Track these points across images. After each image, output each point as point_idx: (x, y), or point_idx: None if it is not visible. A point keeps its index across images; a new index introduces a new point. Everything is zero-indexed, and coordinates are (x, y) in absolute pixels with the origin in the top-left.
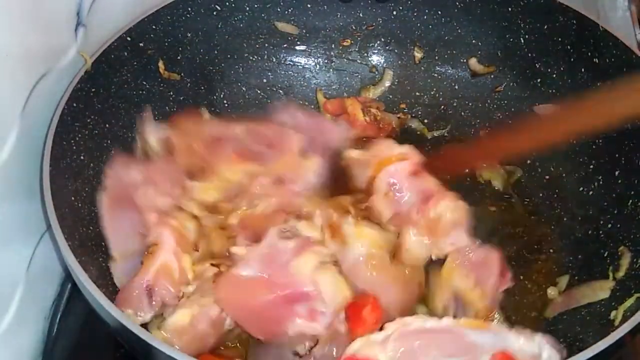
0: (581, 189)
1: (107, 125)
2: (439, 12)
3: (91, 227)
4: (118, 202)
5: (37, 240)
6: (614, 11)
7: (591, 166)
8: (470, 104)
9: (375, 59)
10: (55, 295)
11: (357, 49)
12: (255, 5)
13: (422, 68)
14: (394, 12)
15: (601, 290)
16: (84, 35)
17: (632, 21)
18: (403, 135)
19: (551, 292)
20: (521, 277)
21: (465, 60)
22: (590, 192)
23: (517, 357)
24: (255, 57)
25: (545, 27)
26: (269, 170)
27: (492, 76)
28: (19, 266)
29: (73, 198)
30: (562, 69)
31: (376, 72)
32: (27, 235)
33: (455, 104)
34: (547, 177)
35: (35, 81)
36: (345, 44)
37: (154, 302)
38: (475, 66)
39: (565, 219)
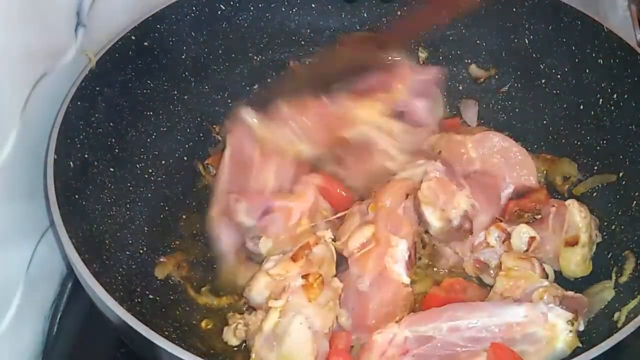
0: (586, 190)
1: (111, 124)
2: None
3: (94, 225)
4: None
5: (37, 240)
6: (614, 11)
7: (595, 167)
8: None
9: None
10: (55, 295)
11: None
12: (260, 5)
13: None
14: (399, 13)
15: (606, 292)
16: (84, 35)
17: (632, 21)
18: None
19: None
20: None
21: (468, 62)
22: (595, 194)
23: (524, 330)
24: (260, 56)
25: (550, 27)
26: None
27: (496, 77)
28: (19, 266)
29: (77, 196)
30: (566, 69)
31: None
32: (27, 235)
33: (459, 105)
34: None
35: (35, 81)
36: None
37: (261, 219)
38: (475, 72)
39: None
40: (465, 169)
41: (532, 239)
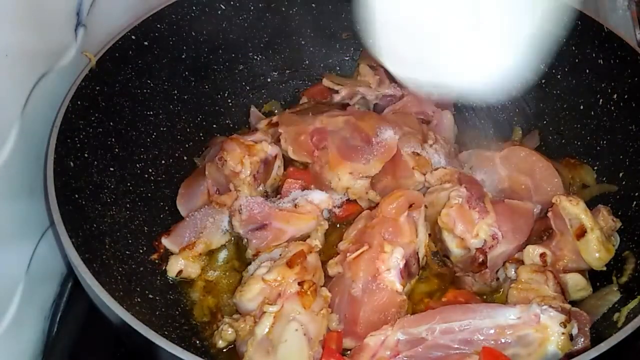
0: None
1: (111, 124)
2: None
3: (94, 225)
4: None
5: (37, 240)
6: (614, 11)
7: (595, 167)
8: (474, 105)
9: None
10: (55, 295)
11: (360, 49)
12: (260, 5)
13: None
14: None
15: (611, 295)
16: (84, 35)
17: (632, 21)
18: None
19: None
20: None
21: None
22: (595, 194)
23: (516, 333)
24: (260, 56)
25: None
26: (369, 169)
27: None
28: (19, 266)
29: (77, 195)
30: (566, 69)
31: None
32: (28, 235)
33: (459, 105)
34: None
35: (36, 81)
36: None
37: (252, 232)
38: None
39: None
40: (495, 187)
41: (544, 254)
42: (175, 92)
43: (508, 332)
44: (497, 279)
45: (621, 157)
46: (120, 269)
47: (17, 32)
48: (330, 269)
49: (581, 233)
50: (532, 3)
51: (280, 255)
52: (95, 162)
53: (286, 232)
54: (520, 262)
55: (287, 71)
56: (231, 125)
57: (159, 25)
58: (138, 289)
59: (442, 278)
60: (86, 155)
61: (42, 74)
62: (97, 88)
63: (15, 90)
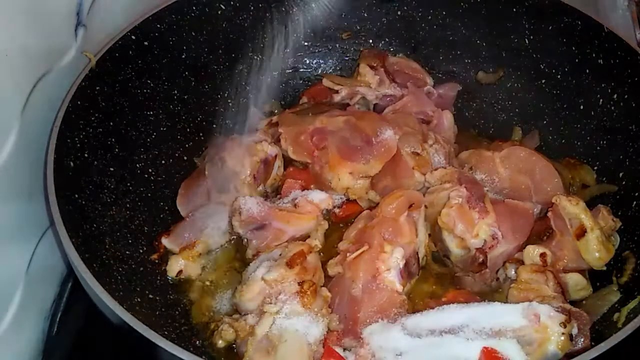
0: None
1: (111, 124)
2: (444, 13)
3: (94, 225)
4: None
5: (37, 240)
6: (614, 11)
7: (595, 167)
8: (474, 105)
9: None
10: (55, 295)
11: (360, 49)
12: (260, 5)
13: (426, 68)
14: (399, 12)
15: (611, 295)
16: (84, 35)
17: (632, 21)
18: None
19: None
20: None
21: (468, 61)
22: (595, 194)
23: (516, 333)
24: (260, 56)
25: (550, 27)
26: (369, 169)
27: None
28: (19, 266)
29: (77, 196)
30: (566, 69)
31: None
32: (27, 236)
33: (459, 105)
34: None
35: (35, 81)
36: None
37: (252, 232)
38: (484, 78)
39: None
40: (495, 187)
41: (544, 254)
42: (175, 92)
43: (508, 332)
44: (497, 279)
45: (621, 157)
46: (120, 269)
47: (17, 32)
48: (330, 269)
49: (581, 233)
50: None
51: (280, 255)
52: (95, 162)
53: (286, 232)
54: (520, 262)
55: (287, 71)
56: (231, 125)
57: (159, 25)
58: (138, 289)
59: (442, 278)
60: (86, 155)
61: (42, 74)
62: (97, 88)
63: (15, 90)
